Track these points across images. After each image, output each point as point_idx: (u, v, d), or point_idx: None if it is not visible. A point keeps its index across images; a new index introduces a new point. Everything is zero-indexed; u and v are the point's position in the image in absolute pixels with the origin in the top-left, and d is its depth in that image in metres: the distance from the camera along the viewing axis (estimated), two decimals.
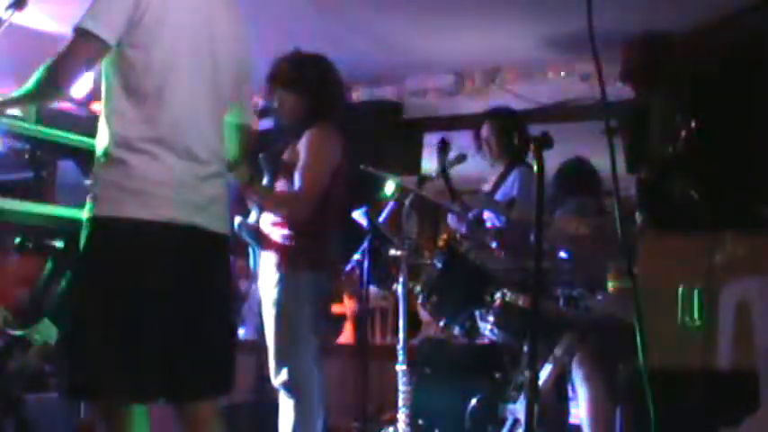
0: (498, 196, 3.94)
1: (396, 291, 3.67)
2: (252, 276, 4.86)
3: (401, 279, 3.54)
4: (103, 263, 2.26)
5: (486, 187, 4.15)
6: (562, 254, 3.31)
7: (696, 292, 2.53)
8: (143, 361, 2.23)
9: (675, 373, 2.47)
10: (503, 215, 3.58)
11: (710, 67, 3.09)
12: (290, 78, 3.25)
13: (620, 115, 3.36)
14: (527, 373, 2.08)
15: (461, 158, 3.62)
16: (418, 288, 3.47)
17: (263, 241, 3.19)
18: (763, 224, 2.69)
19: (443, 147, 3.44)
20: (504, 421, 3.10)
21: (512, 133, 4.14)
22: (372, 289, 4.74)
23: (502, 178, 4.12)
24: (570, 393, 3.37)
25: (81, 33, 2.25)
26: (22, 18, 2.65)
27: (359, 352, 4.81)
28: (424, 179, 3.66)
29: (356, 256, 3.91)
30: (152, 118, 2.29)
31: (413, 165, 5.98)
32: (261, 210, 3.19)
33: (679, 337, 2.54)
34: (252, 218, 3.21)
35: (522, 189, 3.91)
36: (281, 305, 3.12)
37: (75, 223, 2.45)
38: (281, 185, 3.20)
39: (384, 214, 3.92)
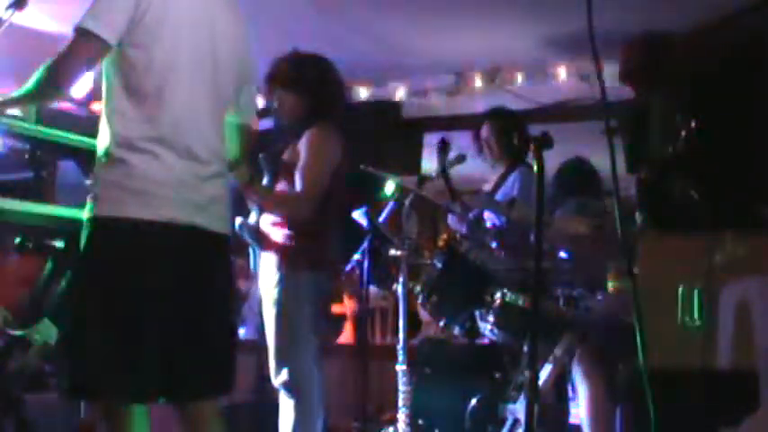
0: (499, 196, 3.94)
1: (396, 291, 3.68)
2: (252, 276, 4.87)
3: (401, 279, 3.55)
4: (104, 263, 2.26)
5: (487, 187, 4.15)
6: (562, 254, 3.31)
7: (696, 292, 2.53)
8: (143, 361, 2.23)
9: (675, 373, 2.47)
10: (503, 215, 3.58)
11: (710, 67, 3.08)
12: (290, 78, 3.25)
13: (620, 115, 3.35)
14: (527, 373, 2.08)
15: (461, 158, 3.62)
16: (418, 288, 3.47)
17: (263, 242, 3.19)
18: (763, 224, 2.69)
19: (443, 147, 3.44)
20: (504, 421, 3.10)
21: (512, 134, 4.14)
22: (372, 289, 4.74)
23: (502, 178, 4.12)
24: (570, 393, 3.37)
25: (82, 33, 2.25)
26: (22, 18, 2.65)
27: (359, 352, 4.80)
28: (424, 179, 3.66)
29: (356, 256, 3.91)
30: (153, 118, 2.29)
31: (413, 165, 5.98)
32: (261, 210, 3.19)
33: (679, 337, 2.54)
34: (252, 218, 3.20)
35: (522, 189, 3.91)
36: (281, 305, 3.12)
37: (75, 223, 2.45)
38: (281, 186, 3.20)
39: (384, 214, 3.93)
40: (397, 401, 3.50)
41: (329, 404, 3.27)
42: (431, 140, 5.87)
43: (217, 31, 2.44)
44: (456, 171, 3.53)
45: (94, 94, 2.70)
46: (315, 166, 3.13)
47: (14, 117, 2.76)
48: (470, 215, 3.65)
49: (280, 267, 3.14)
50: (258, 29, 2.69)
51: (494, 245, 3.62)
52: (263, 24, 3.11)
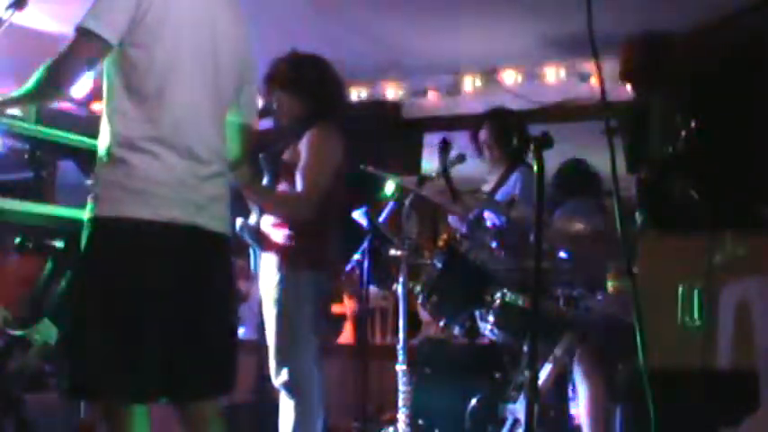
0: (499, 197, 3.94)
1: (396, 291, 3.68)
2: (252, 277, 4.87)
3: (401, 279, 3.55)
4: (104, 263, 2.26)
5: (487, 187, 4.15)
6: (562, 254, 3.31)
7: (696, 292, 2.53)
8: (143, 361, 2.23)
9: (675, 373, 2.47)
10: (503, 215, 3.57)
11: (710, 67, 3.09)
12: (289, 79, 3.25)
13: (620, 115, 3.36)
14: (527, 373, 2.08)
15: (461, 158, 3.62)
16: (418, 288, 3.47)
17: (263, 242, 3.19)
18: (763, 224, 2.69)
19: (445, 146, 3.43)
20: (504, 421, 3.10)
21: (511, 134, 4.13)
22: (372, 289, 4.74)
23: (503, 179, 4.11)
24: (570, 393, 3.37)
25: (83, 33, 2.25)
26: (22, 18, 2.65)
27: (359, 352, 4.80)
28: (424, 179, 3.66)
29: (356, 256, 3.92)
30: (153, 118, 2.29)
31: (413, 165, 5.99)
32: (261, 211, 3.19)
33: (679, 337, 2.53)
34: (252, 219, 3.21)
35: (525, 189, 3.90)
36: (281, 305, 3.12)
37: (75, 223, 2.45)
38: (282, 186, 3.20)
39: (384, 214, 3.93)
40: (397, 401, 3.50)
41: (329, 404, 3.27)
42: (431, 140, 5.88)
43: (218, 30, 2.44)
44: (456, 171, 3.52)
45: (95, 94, 2.70)
46: (316, 166, 3.13)
47: (14, 117, 2.76)
48: (470, 215, 3.65)
49: (280, 268, 3.14)
50: (258, 29, 2.69)
51: (494, 245, 3.62)
52: (263, 25, 3.11)
